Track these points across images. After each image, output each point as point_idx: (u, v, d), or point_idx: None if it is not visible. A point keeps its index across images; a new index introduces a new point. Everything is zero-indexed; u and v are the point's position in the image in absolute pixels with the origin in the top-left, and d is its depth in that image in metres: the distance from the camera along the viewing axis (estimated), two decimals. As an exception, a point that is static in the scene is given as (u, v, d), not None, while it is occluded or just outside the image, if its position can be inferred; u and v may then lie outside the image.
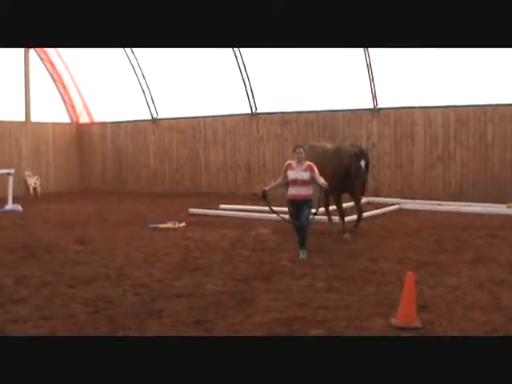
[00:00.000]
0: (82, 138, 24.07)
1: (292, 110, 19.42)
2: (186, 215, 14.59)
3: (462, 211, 14.20)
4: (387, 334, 5.66)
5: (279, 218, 10.28)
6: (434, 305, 6.58)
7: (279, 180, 9.69)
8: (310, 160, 10.35)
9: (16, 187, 18.54)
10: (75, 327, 6.05)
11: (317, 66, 18.25)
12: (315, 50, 16.42)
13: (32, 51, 22.00)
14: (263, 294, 7.24)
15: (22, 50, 21.21)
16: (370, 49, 17.13)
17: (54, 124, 23.17)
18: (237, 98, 20.17)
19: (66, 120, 24.02)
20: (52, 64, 23.07)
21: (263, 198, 9.64)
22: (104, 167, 23.81)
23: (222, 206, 15.77)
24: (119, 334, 5.81)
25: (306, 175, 9.24)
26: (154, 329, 5.96)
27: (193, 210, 15.10)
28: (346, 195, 11.43)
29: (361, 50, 17.20)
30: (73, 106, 23.98)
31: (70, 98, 23.86)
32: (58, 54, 22.83)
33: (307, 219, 9.28)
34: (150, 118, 22.37)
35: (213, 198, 18.15)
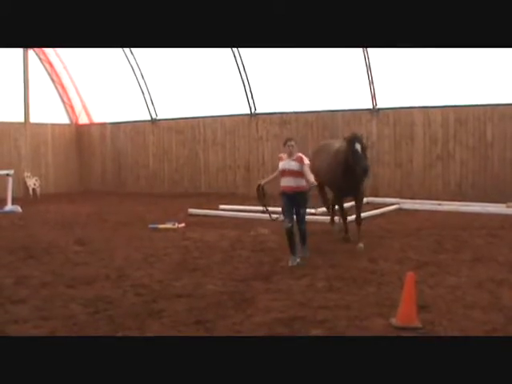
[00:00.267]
0: (82, 139, 24.06)
1: (291, 110, 19.42)
2: (186, 215, 14.59)
3: (462, 211, 14.21)
4: (387, 333, 5.67)
5: (277, 216, 9.74)
6: (434, 305, 6.58)
7: (275, 173, 9.34)
8: (319, 161, 10.29)
9: (15, 188, 18.53)
10: (75, 327, 6.05)
11: (316, 67, 18.25)
12: (314, 50, 16.42)
13: (31, 52, 22.01)
14: (263, 294, 7.24)
15: (20, 50, 21.22)
16: (369, 49, 17.13)
17: (54, 125, 23.16)
18: (236, 98, 20.17)
19: (65, 121, 24.01)
20: (51, 64, 23.06)
21: (258, 192, 9.36)
22: (103, 168, 23.79)
23: (222, 206, 15.77)
24: (119, 334, 5.81)
25: (294, 165, 8.84)
26: (154, 329, 5.96)
27: (192, 211, 15.10)
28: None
29: (360, 50, 17.20)
30: (72, 107, 23.97)
31: (69, 99, 23.85)
32: (57, 55, 22.82)
33: (304, 217, 9.01)
34: (150, 118, 22.37)
35: (212, 199, 18.16)
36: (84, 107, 24.05)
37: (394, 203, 15.54)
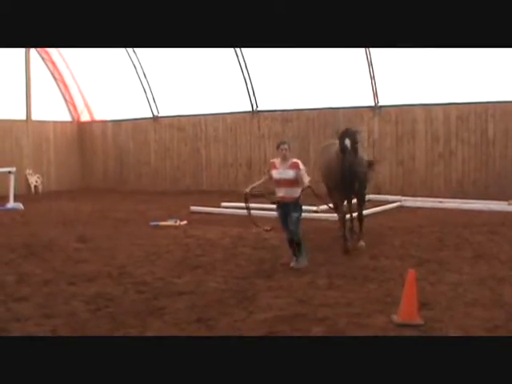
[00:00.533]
0: (83, 137, 24.06)
1: (293, 107, 19.41)
2: (188, 213, 14.60)
3: (463, 208, 14.21)
4: (388, 331, 5.67)
5: (275, 215, 9.37)
6: (435, 302, 6.58)
7: (263, 179, 8.83)
8: (322, 162, 9.98)
9: (17, 186, 18.54)
10: (77, 325, 6.06)
11: (318, 64, 18.23)
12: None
13: (33, 50, 22.00)
14: (265, 291, 7.25)
15: (22, 49, 21.20)
16: (370, 46, 17.12)
17: (55, 122, 23.16)
18: (238, 95, 20.17)
19: (67, 118, 24.01)
20: (53, 63, 23.06)
21: (245, 200, 8.78)
22: (105, 165, 23.80)
23: (224, 203, 15.76)
24: (121, 332, 5.81)
25: (290, 174, 8.31)
26: (155, 327, 5.97)
27: (194, 208, 15.10)
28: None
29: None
30: (74, 105, 23.97)
31: (71, 97, 23.85)
32: (60, 53, 22.81)
33: (296, 222, 8.43)
34: (151, 115, 22.37)
35: (214, 196, 18.16)
36: (86, 105, 24.05)
37: (395, 201, 15.54)
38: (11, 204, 16.84)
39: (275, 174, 8.44)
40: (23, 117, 21.96)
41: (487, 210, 13.75)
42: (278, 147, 8.53)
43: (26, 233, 12.08)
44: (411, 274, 6.00)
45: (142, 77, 21.71)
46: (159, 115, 22.26)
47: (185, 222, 12.98)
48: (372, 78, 17.60)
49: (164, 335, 5.62)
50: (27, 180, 21.66)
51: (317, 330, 5.71)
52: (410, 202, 15.55)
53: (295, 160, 8.44)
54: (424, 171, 17.40)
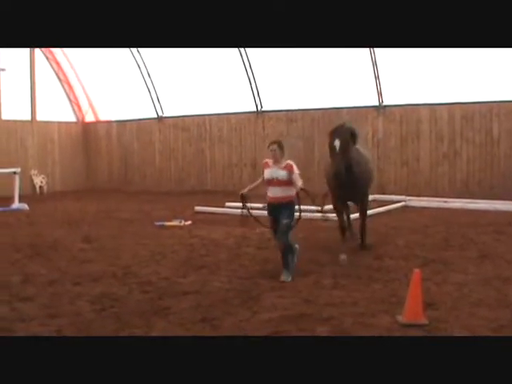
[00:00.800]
0: (88, 137, 24.11)
1: (297, 107, 19.40)
2: (192, 213, 14.61)
3: (469, 208, 14.18)
4: (393, 331, 5.66)
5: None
6: (441, 302, 6.57)
7: (258, 180, 8.41)
8: (325, 166, 9.38)
9: (22, 186, 18.58)
10: (82, 325, 6.06)
11: (322, 64, 18.22)
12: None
13: (38, 51, 22.05)
14: (269, 291, 7.24)
15: (27, 49, 21.25)
16: (375, 46, 17.10)
17: (60, 123, 23.22)
18: (242, 95, 20.18)
19: (72, 119, 24.07)
20: (58, 63, 23.11)
21: (242, 202, 8.38)
22: (110, 166, 23.84)
23: (228, 203, 15.74)
24: (126, 332, 5.82)
25: (282, 174, 7.79)
26: (160, 326, 5.97)
27: (198, 208, 15.11)
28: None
29: (366, 47, 17.17)
30: (78, 105, 24.02)
31: (75, 97, 23.90)
32: (64, 53, 22.86)
33: (286, 231, 7.81)
34: (156, 116, 22.39)
35: (218, 196, 18.16)
36: (90, 105, 24.10)
37: (400, 201, 15.52)
38: (16, 204, 16.87)
39: (266, 173, 7.99)
40: (28, 117, 22.02)
41: (493, 210, 13.71)
42: (268, 147, 8.15)
43: (31, 233, 12.11)
44: (416, 273, 5.99)
45: (147, 77, 21.74)
46: (164, 115, 22.28)
47: (189, 222, 13.00)
48: (376, 77, 17.58)
49: (169, 335, 5.63)
50: (32, 180, 21.72)
51: (322, 330, 5.71)
52: (415, 201, 15.53)
53: (290, 162, 7.90)
54: (428, 171, 17.36)
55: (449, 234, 10.83)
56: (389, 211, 14.05)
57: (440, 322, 5.86)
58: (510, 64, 15.60)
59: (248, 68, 19.61)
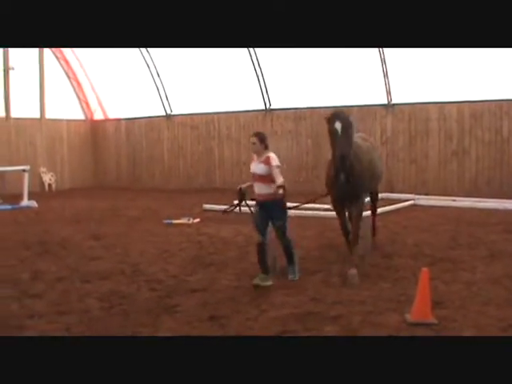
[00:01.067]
0: (97, 135, 24.16)
1: (306, 105, 19.36)
2: (201, 211, 14.62)
3: (478, 207, 14.11)
4: (402, 329, 5.65)
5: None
6: (449, 301, 6.55)
7: None
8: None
9: (31, 184, 18.63)
10: (90, 322, 6.09)
11: (330, 62, 18.17)
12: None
13: (47, 49, 22.10)
14: (277, 289, 7.24)
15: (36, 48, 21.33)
16: (384, 44, 17.05)
17: (69, 121, 23.26)
18: (251, 93, 20.14)
19: (81, 117, 24.11)
20: (67, 61, 23.16)
21: (239, 197, 7.99)
22: (118, 164, 23.88)
23: (236, 201, 15.72)
24: (134, 330, 5.83)
25: (261, 168, 7.42)
26: (168, 324, 5.99)
27: (207, 206, 15.11)
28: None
29: (375, 45, 17.12)
30: (87, 103, 24.08)
31: (84, 95, 23.95)
32: (73, 52, 22.91)
33: (283, 232, 7.49)
34: (164, 114, 22.41)
35: (227, 194, 18.13)
36: (99, 103, 24.15)
37: (408, 199, 15.48)
38: (25, 202, 16.94)
39: (251, 166, 7.68)
40: (37, 115, 22.08)
41: (502, 209, 13.64)
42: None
43: (40, 230, 12.16)
44: (425, 272, 5.97)
45: (155, 75, 21.75)
46: (172, 113, 22.30)
47: (198, 220, 13.01)
48: (385, 75, 17.52)
49: (176, 333, 5.64)
50: (41, 178, 21.79)
51: (330, 329, 5.70)
52: (424, 200, 15.48)
53: (269, 154, 7.47)
54: (437, 169, 17.29)
55: (457, 233, 10.79)
56: (397, 210, 14.01)
57: (448, 321, 5.84)
58: (520, 62, 15.53)
59: (257, 66, 19.59)
